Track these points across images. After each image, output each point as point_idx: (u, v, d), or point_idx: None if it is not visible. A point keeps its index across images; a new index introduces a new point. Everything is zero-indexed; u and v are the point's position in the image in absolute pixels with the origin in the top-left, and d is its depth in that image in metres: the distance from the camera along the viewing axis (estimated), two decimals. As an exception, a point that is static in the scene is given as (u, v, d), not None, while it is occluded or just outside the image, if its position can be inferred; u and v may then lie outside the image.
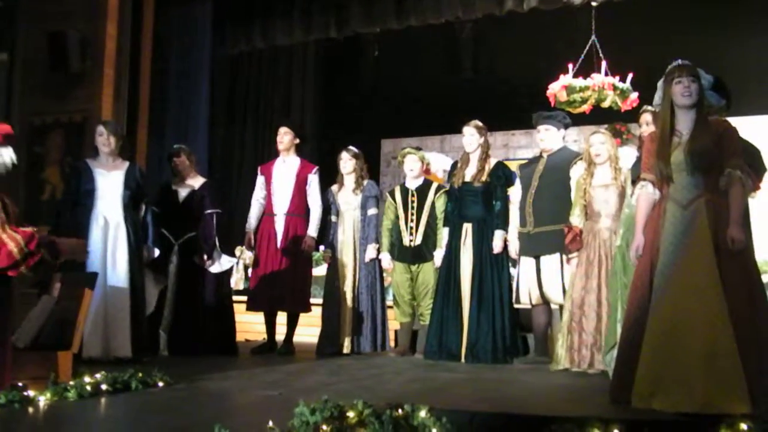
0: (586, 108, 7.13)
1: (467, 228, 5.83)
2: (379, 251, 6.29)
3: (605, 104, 7.11)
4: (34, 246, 3.57)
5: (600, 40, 7.63)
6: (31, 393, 3.44)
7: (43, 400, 3.44)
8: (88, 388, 3.62)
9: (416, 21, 8.17)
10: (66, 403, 3.47)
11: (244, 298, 6.47)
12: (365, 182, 6.34)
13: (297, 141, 6.39)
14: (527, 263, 5.65)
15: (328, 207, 6.35)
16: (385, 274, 6.47)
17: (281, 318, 6.33)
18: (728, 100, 4.03)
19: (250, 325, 7.49)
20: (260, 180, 6.40)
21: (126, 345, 5.02)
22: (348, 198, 6.33)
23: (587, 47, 7.53)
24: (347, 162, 6.36)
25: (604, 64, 7.19)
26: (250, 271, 7.10)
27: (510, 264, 5.86)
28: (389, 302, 6.49)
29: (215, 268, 5.89)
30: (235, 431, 2.69)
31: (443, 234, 6.04)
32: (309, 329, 6.74)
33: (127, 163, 5.39)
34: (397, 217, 6.27)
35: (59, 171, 6.34)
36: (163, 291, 5.79)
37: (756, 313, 3.49)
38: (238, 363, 5.41)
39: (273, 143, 6.57)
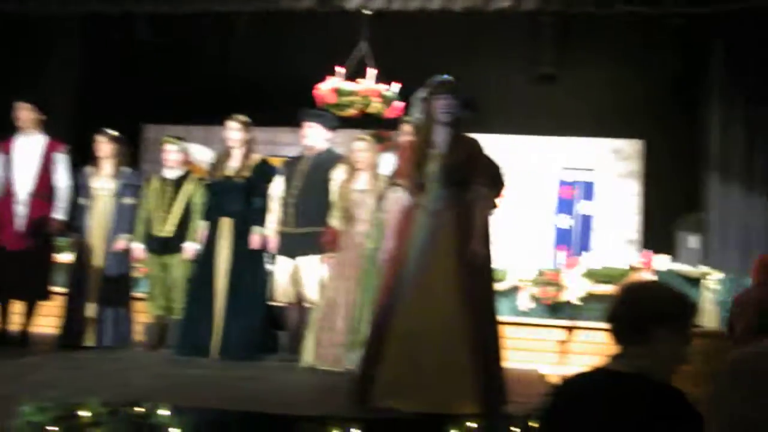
0: (352, 112, 7.20)
1: (226, 223, 5.73)
2: (131, 241, 6.04)
3: (370, 110, 7.23)
4: None
5: (373, 48, 7.74)
6: None
7: None
8: None
9: (192, 8, 8.01)
10: None
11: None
12: (124, 169, 6.10)
13: (41, 117, 6.01)
14: (285, 262, 5.65)
15: (79, 189, 6.03)
16: (138, 265, 6.21)
17: (18, 306, 5.95)
18: (474, 111, 4.33)
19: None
20: (-3, 158, 5.99)
21: None
22: (103, 183, 6.03)
23: (358, 53, 7.62)
24: (104, 145, 6.07)
25: (372, 71, 7.32)
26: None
27: (268, 261, 5.81)
28: (139, 293, 6.27)
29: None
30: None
31: (200, 227, 5.91)
32: (49, 319, 6.29)
33: None
34: (152, 207, 6.05)
35: None
36: None
37: (487, 322, 3.74)
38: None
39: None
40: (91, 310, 5.89)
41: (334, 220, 5.40)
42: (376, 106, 7.28)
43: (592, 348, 6.37)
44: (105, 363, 4.88)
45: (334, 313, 5.15)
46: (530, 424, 3.03)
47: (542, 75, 9.27)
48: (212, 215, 5.83)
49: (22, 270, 5.74)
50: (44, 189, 5.90)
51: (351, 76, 7.37)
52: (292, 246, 5.63)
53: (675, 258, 7.62)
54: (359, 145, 5.46)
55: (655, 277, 6.80)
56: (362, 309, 4.83)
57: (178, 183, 6.08)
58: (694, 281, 6.81)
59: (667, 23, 8.10)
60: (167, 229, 5.96)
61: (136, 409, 2.83)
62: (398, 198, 4.02)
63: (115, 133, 6.14)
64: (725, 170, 8.06)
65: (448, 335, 3.58)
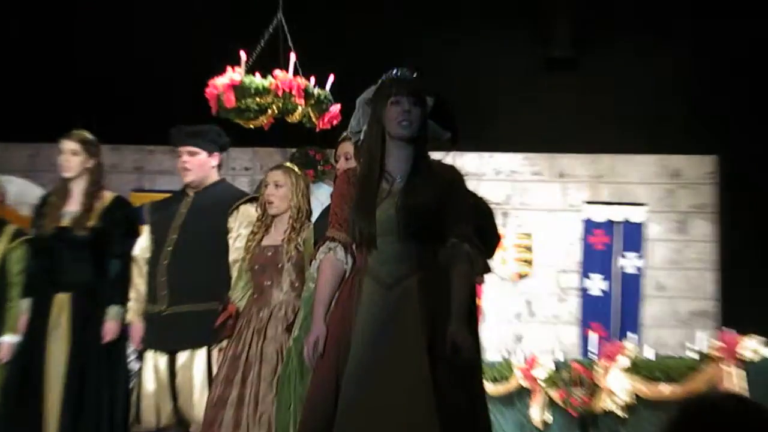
0: (264, 121, 6.87)
1: (62, 301, 5.65)
2: None
3: (293, 118, 6.89)
4: None
5: (292, 23, 7.43)
6: None
7: None
8: None
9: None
10: None
11: None
12: None
13: None
14: (157, 360, 5.57)
15: None
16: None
17: None
18: (454, 131, 4.20)
19: None
20: None
21: None
22: None
23: (270, 29, 7.40)
24: None
25: (293, 57, 7.00)
26: None
27: (129, 360, 5.83)
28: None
29: None
30: None
31: (20, 309, 5.82)
32: None
33: None
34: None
35: None
36: None
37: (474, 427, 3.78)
38: None
39: None
40: None
41: (237, 291, 5.37)
42: (300, 112, 6.91)
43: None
44: None
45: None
46: None
47: (554, 59, 9.31)
48: (39, 290, 5.73)
49: None
50: None
51: (260, 67, 7.04)
52: (167, 335, 5.54)
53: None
54: (274, 175, 5.43)
55: (743, 379, 6.63)
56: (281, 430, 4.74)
57: (-18, 239, 6.04)
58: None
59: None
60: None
61: None
62: (333, 259, 3.99)
63: None
64: None
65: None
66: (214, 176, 5.92)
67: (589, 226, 9.48)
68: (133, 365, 5.87)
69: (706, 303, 9.24)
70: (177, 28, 8.70)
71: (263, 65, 7.13)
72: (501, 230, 4.80)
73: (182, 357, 5.54)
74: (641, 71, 9.21)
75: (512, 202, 9.62)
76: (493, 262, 4.73)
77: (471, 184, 4.21)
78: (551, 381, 7.18)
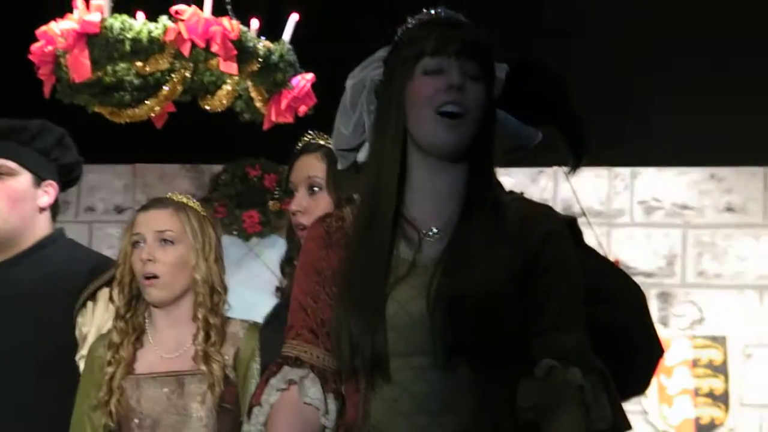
0: (154, 108, 5.17)
1: None
2: None
3: (216, 101, 5.14)
4: None
5: None
6: None
7: None
8: None
9: None
10: None
11: None
12: None
13: None
14: None
15: None
16: None
17: None
18: (577, 132, 2.74)
19: None
20: None
21: None
22: None
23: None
24: None
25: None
26: None
27: None
28: None
29: None
30: None
31: None
32: None
33: None
34: None
35: None
36: None
37: None
38: None
39: None
40: None
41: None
42: (229, 89, 5.25)
43: None
44: None
45: None
46: None
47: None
48: None
49: None
50: None
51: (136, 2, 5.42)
52: None
53: None
54: (152, 220, 3.87)
55: None
56: None
57: None
58: None
59: None
60: None
61: None
62: (298, 404, 2.70)
63: None
64: None
65: None
66: (42, 225, 4.25)
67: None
68: None
69: None
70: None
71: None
72: (661, 332, 3.64)
73: None
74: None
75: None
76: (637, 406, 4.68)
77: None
78: None
